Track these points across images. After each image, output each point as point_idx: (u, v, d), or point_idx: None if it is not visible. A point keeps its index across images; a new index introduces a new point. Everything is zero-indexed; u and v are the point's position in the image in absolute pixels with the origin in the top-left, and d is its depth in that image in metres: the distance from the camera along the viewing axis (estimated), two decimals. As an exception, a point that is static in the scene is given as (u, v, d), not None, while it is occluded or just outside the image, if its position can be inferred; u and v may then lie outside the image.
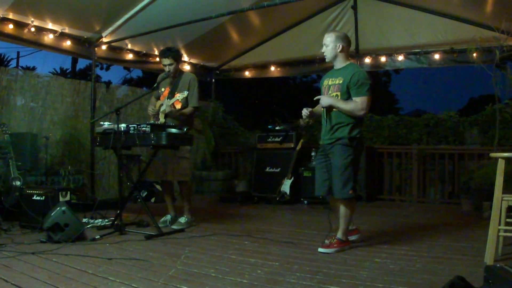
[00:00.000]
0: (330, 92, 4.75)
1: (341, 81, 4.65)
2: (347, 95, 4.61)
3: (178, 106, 6.01)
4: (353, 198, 4.67)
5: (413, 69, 9.69)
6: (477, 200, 7.15)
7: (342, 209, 4.66)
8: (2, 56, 27.54)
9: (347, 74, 4.63)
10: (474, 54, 8.14)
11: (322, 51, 4.82)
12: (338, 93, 4.66)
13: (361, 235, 5.06)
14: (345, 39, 4.76)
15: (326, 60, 4.83)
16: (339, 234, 4.67)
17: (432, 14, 8.34)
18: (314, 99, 4.84)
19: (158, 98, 6.28)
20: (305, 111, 4.82)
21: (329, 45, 4.72)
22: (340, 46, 4.69)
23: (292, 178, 8.63)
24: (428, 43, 8.87)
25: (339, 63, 4.78)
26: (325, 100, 4.68)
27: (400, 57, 9.32)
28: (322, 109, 4.73)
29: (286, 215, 7.58)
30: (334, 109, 4.66)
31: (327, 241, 4.66)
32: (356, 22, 8.85)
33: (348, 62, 4.81)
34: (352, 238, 4.91)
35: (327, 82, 4.83)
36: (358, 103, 4.53)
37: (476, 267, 3.76)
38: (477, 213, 6.93)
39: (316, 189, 4.88)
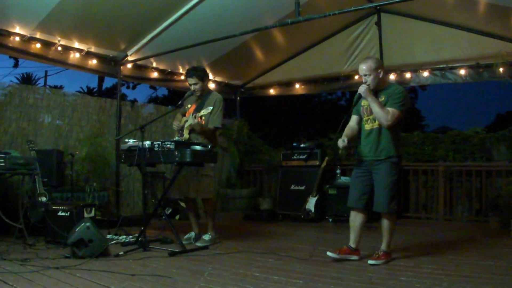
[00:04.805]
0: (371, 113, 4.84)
1: (382, 98, 4.76)
2: None
3: (202, 123, 6.04)
4: (395, 213, 4.85)
5: (438, 85, 9.59)
6: (506, 218, 7.01)
7: (386, 222, 4.90)
8: (30, 75, 28.23)
9: (390, 92, 4.75)
10: (501, 69, 8.04)
11: (364, 81, 4.78)
12: None
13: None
14: (380, 62, 4.84)
15: (371, 87, 4.76)
16: (384, 246, 4.88)
17: (457, 28, 8.29)
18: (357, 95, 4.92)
19: (183, 115, 6.34)
20: (341, 143, 4.85)
21: (371, 74, 4.73)
22: (381, 72, 4.75)
23: (317, 196, 8.56)
24: (453, 59, 8.81)
25: (380, 86, 4.82)
26: (362, 89, 4.73)
27: (425, 73, 9.27)
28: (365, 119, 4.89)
29: (311, 233, 7.49)
30: (383, 128, 4.73)
31: (375, 254, 4.85)
32: (380, 38, 8.84)
33: (389, 83, 4.96)
34: (353, 258, 4.96)
35: (367, 102, 4.85)
36: (389, 113, 4.63)
37: (505, 286, 3.67)
38: (506, 230, 6.78)
39: (352, 201, 4.99)
